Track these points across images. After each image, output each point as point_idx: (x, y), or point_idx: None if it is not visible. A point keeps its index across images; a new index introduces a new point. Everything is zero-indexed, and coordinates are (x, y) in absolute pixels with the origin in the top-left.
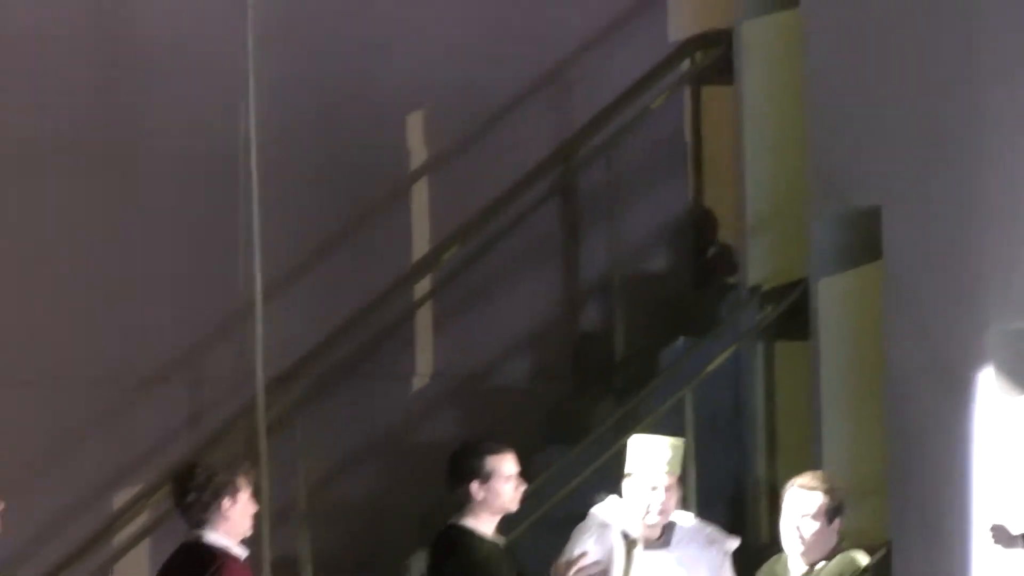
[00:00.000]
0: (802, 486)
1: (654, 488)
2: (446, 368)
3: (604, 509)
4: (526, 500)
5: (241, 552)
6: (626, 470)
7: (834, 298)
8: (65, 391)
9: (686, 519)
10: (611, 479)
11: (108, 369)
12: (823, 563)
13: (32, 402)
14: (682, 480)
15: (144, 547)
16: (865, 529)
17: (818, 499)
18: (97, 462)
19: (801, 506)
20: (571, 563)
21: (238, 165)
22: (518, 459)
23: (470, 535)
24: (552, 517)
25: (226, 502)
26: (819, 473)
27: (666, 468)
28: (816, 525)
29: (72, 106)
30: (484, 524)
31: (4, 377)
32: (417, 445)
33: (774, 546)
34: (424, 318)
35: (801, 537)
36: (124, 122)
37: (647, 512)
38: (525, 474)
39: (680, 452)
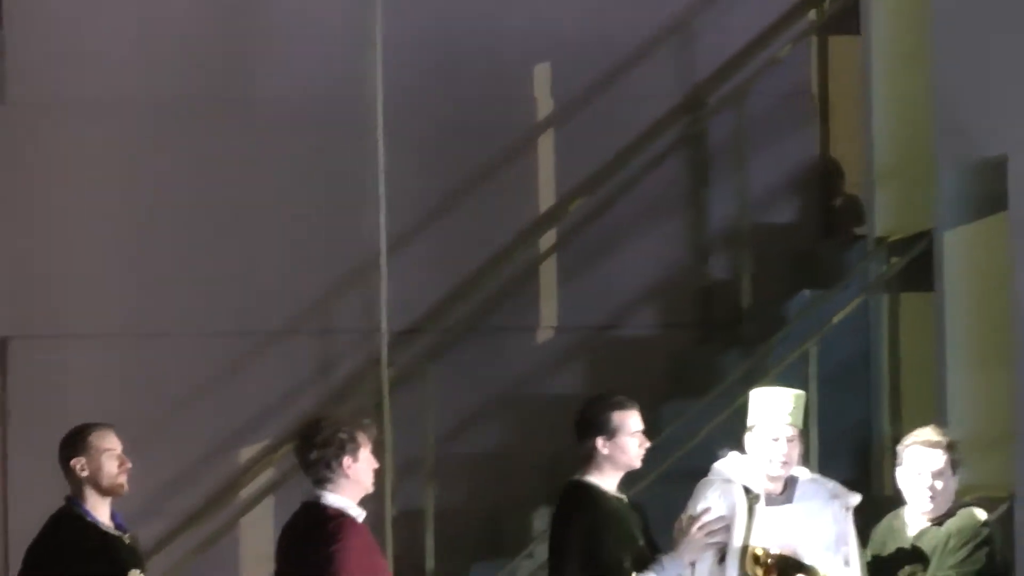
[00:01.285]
0: (924, 443)
1: (776, 440)
2: (571, 320)
3: (726, 464)
4: (650, 454)
5: (359, 513)
6: (748, 423)
7: (960, 249)
8: (193, 344)
9: (807, 475)
10: (735, 433)
11: (236, 322)
12: (942, 519)
13: (160, 355)
14: (804, 434)
15: (270, 502)
16: (988, 483)
17: (941, 455)
18: (225, 416)
19: (925, 463)
20: (695, 519)
21: (365, 118)
22: (643, 411)
23: (594, 490)
24: (676, 471)
25: (347, 460)
26: (936, 428)
27: (788, 420)
28: (940, 482)
29: (206, 64)
30: (608, 480)
31: (133, 330)
32: (542, 397)
33: (897, 499)
34: (550, 270)
35: (926, 494)
36: (253, 78)
37: (769, 463)
38: (650, 426)
39: (802, 405)
